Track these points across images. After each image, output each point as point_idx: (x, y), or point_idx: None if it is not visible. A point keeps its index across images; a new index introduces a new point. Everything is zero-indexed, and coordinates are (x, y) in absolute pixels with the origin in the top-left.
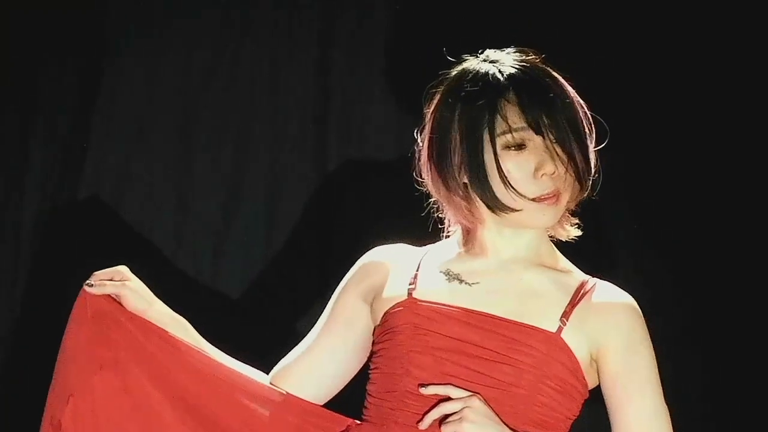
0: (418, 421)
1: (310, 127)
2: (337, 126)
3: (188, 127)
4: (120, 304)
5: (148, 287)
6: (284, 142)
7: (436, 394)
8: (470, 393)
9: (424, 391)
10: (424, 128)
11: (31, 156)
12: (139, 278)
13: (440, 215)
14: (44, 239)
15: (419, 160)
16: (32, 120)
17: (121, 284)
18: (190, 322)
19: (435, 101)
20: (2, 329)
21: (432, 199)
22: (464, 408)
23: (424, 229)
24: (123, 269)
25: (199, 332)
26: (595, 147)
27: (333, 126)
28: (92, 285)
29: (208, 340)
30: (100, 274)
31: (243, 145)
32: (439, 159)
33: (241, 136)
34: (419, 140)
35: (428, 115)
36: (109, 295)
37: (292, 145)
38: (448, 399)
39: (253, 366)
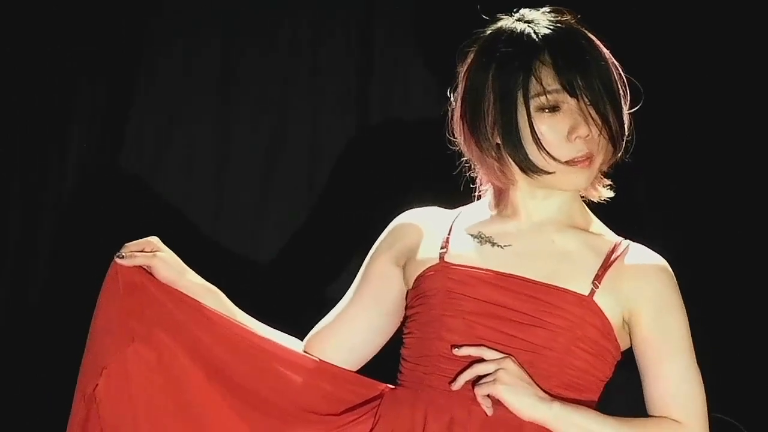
0: (451, 381)
1: (350, 90)
2: (379, 86)
3: (228, 90)
4: (151, 275)
5: (183, 257)
6: (324, 104)
7: (469, 357)
8: (504, 355)
9: (457, 352)
10: (457, 87)
11: (71, 125)
12: (175, 249)
13: (472, 175)
14: (83, 207)
15: (452, 119)
16: (72, 87)
17: (151, 255)
18: (223, 291)
19: (468, 61)
20: (37, 298)
21: (464, 159)
22: (498, 370)
23: (456, 188)
24: (154, 240)
25: (232, 301)
26: (629, 109)
27: (375, 87)
28: (123, 256)
29: (241, 309)
30: (130, 246)
31: (283, 111)
32: (472, 119)
33: (282, 102)
34: (452, 99)
35: (461, 75)
36: (140, 267)
37: (333, 107)
38: (481, 361)
39: (286, 333)
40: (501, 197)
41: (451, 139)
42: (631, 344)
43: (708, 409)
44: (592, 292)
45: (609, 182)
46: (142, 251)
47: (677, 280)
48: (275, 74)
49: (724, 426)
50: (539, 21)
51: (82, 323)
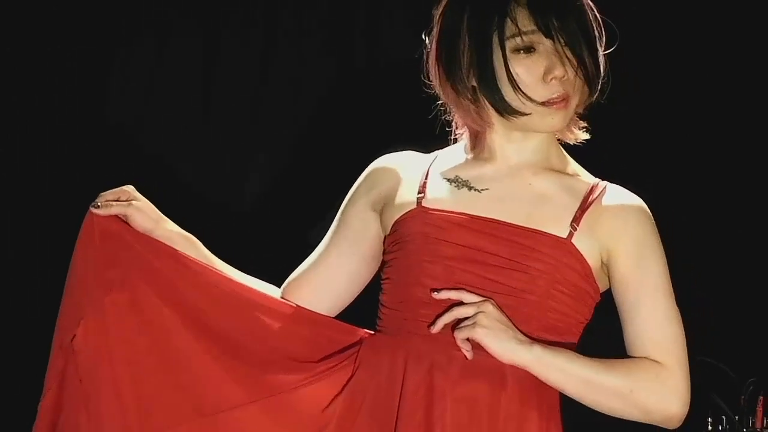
0: (430, 325)
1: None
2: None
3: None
4: (127, 224)
5: (161, 206)
6: (309, 47)
7: (449, 300)
8: (483, 298)
9: (436, 296)
10: (432, 30)
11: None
12: (151, 198)
13: (448, 118)
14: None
15: (427, 62)
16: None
17: (127, 204)
18: (199, 238)
19: (443, 3)
20: (16, 253)
21: (440, 102)
22: (477, 313)
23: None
24: (129, 189)
25: (208, 248)
26: (604, 51)
27: (358, 29)
28: (98, 206)
29: (218, 256)
30: (106, 195)
31: (266, 55)
32: (448, 62)
33: (266, 45)
34: (427, 42)
35: (436, 17)
36: (116, 216)
37: (318, 49)
38: (461, 304)
39: (263, 280)
40: (477, 140)
41: (427, 82)
42: (610, 286)
43: (690, 352)
44: (571, 235)
45: (584, 124)
46: (117, 200)
47: (654, 219)
48: (259, 22)
49: (710, 369)
50: None
51: (58, 275)
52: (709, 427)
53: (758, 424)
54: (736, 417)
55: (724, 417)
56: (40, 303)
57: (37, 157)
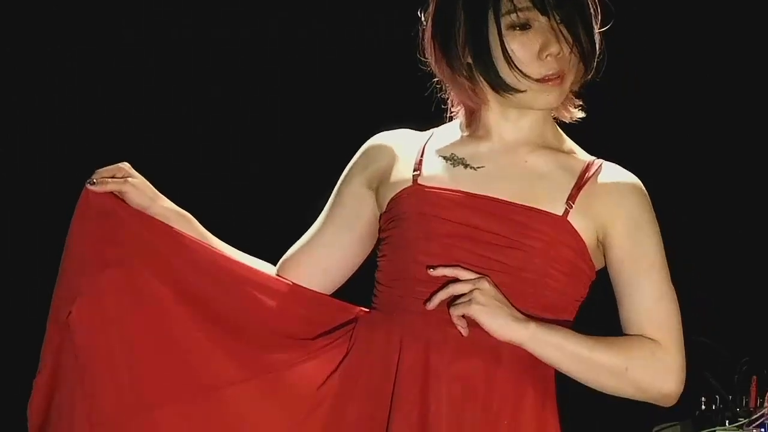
0: (426, 302)
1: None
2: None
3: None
4: (123, 201)
5: (156, 183)
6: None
7: (444, 277)
8: (479, 275)
9: (432, 272)
10: (428, 7)
11: None
12: (147, 175)
13: (443, 96)
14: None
15: (423, 39)
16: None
17: (123, 181)
18: (195, 216)
19: None
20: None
21: (435, 80)
22: (473, 290)
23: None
24: (125, 165)
25: (204, 226)
26: (600, 28)
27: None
28: (94, 182)
29: (213, 234)
30: (102, 172)
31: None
32: (443, 39)
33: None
34: (423, 19)
35: None
36: (111, 193)
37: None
38: (456, 281)
39: (259, 258)
40: (473, 118)
41: (423, 59)
42: (606, 264)
43: (684, 332)
44: (566, 212)
45: (580, 103)
46: (113, 177)
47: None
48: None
49: (704, 348)
50: None
51: (55, 249)
52: (703, 407)
53: (752, 404)
54: (730, 396)
55: (717, 396)
56: (38, 283)
57: (37, 157)
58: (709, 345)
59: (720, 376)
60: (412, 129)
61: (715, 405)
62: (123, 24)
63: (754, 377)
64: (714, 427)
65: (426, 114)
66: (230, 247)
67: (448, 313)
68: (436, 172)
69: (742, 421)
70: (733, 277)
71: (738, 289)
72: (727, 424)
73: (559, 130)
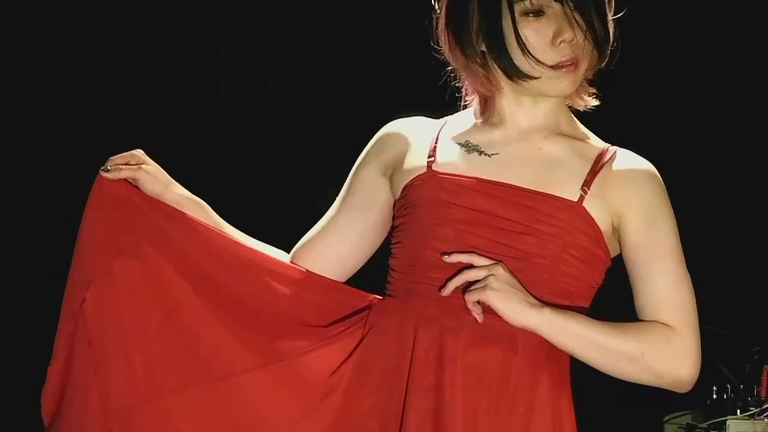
0: (441, 288)
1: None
2: None
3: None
4: (137, 188)
5: (170, 171)
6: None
7: (459, 264)
8: (494, 261)
9: (447, 259)
10: None
11: None
12: (161, 163)
13: (457, 84)
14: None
15: (437, 27)
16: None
17: (137, 168)
18: (208, 203)
19: None
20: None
21: (449, 68)
22: (488, 276)
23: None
24: (139, 153)
25: (218, 214)
26: (614, 15)
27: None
28: (108, 170)
29: (227, 222)
30: (115, 159)
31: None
32: (457, 26)
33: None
34: (437, 7)
35: None
36: (125, 180)
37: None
38: (471, 267)
39: (273, 245)
40: (487, 105)
41: (437, 48)
42: (621, 251)
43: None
44: (581, 198)
45: (594, 91)
46: (126, 164)
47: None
48: None
49: (716, 337)
50: None
51: (68, 236)
52: (714, 396)
53: (763, 393)
54: (741, 386)
55: (728, 385)
56: (52, 272)
57: (37, 157)
58: (721, 334)
59: (731, 365)
60: (426, 117)
61: (727, 394)
62: (133, 17)
63: (766, 366)
64: (725, 416)
65: (440, 103)
66: (244, 234)
67: (463, 299)
68: (450, 159)
69: (754, 410)
70: (745, 266)
71: (750, 279)
72: (738, 413)
73: (573, 117)
